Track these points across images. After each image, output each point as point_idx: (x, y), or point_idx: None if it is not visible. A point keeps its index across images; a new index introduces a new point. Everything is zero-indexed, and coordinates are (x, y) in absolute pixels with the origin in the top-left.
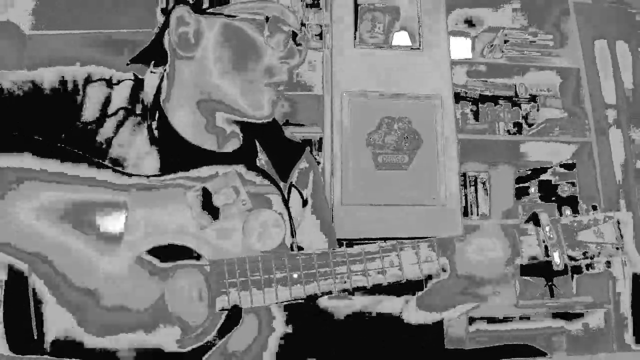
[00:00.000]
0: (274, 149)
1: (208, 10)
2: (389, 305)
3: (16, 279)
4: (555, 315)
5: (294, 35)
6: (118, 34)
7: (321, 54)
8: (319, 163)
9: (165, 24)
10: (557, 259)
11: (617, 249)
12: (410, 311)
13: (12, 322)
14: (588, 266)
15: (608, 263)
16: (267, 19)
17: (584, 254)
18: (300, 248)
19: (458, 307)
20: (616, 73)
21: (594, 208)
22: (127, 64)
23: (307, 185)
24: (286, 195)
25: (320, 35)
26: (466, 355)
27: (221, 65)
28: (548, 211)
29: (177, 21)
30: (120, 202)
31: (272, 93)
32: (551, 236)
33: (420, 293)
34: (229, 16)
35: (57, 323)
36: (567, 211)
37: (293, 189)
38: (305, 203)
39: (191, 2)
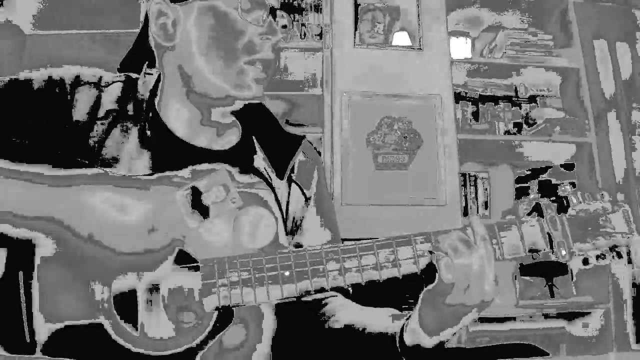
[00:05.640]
0: (271, 145)
1: None
2: (380, 323)
3: (11, 273)
4: (556, 315)
5: (274, 11)
6: (118, 35)
7: (321, 54)
8: None
9: (146, 23)
10: (563, 251)
11: (628, 237)
12: (409, 332)
13: (4, 323)
14: (598, 257)
15: (619, 254)
16: None
17: (593, 244)
18: (301, 246)
19: (463, 319)
20: (616, 73)
21: (603, 196)
22: (118, 69)
23: (311, 185)
24: (285, 191)
25: (320, 35)
26: (466, 355)
27: (201, 46)
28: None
29: (155, 14)
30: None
31: (257, 71)
32: (556, 228)
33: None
34: None
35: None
36: (574, 199)
37: (294, 184)
38: (307, 200)
39: None
